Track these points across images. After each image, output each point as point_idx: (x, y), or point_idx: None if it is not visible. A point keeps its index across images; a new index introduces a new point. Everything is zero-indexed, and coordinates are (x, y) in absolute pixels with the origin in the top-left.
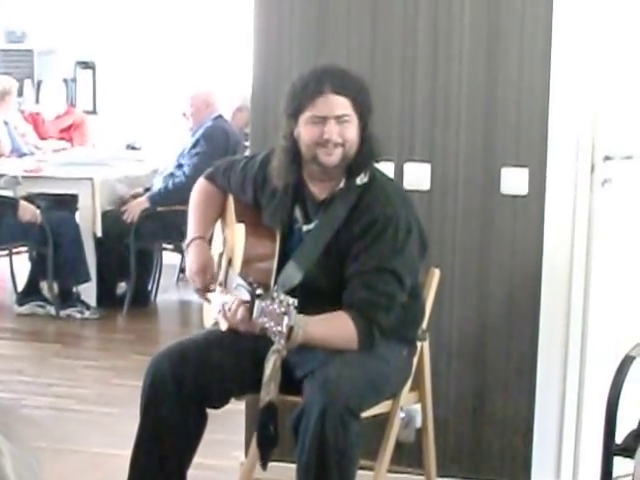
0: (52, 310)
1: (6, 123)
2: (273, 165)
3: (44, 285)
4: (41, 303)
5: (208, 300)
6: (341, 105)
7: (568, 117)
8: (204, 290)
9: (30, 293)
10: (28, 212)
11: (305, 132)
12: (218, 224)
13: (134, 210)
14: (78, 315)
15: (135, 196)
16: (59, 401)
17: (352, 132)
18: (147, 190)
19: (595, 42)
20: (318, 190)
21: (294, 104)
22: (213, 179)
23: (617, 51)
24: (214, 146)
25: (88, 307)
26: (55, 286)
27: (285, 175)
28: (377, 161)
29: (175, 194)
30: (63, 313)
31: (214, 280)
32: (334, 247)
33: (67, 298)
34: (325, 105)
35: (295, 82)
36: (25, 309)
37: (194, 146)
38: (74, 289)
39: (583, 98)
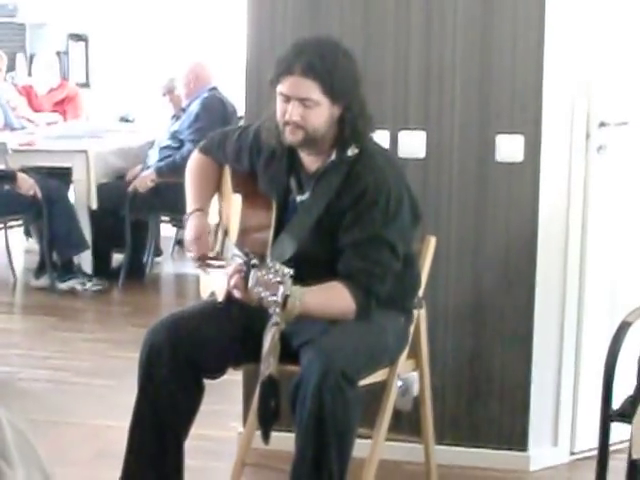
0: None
1: None
2: (265, 124)
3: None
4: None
5: (205, 269)
6: (307, 89)
7: (563, 84)
8: (200, 259)
9: (45, 266)
10: (26, 184)
11: (277, 106)
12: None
13: (143, 182)
14: (79, 287)
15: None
16: (56, 374)
17: (316, 116)
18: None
19: (589, 8)
20: (309, 162)
21: (272, 75)
22: (208, 151)
23: (611, 17)
24: (213, 117)
25: (90, 278)
26: (57, 258)
27: (275, 135)
28: (361, 140)
29: (183, 168)
30: (65, 285)
31: (210, 249)
32: (327, 218)
33: (68, 269)
34: (291, 85)
35: (282, 52)
36: (41, 282)
37: (195, 120)
38: (75, 260)
39: (578, 64)
